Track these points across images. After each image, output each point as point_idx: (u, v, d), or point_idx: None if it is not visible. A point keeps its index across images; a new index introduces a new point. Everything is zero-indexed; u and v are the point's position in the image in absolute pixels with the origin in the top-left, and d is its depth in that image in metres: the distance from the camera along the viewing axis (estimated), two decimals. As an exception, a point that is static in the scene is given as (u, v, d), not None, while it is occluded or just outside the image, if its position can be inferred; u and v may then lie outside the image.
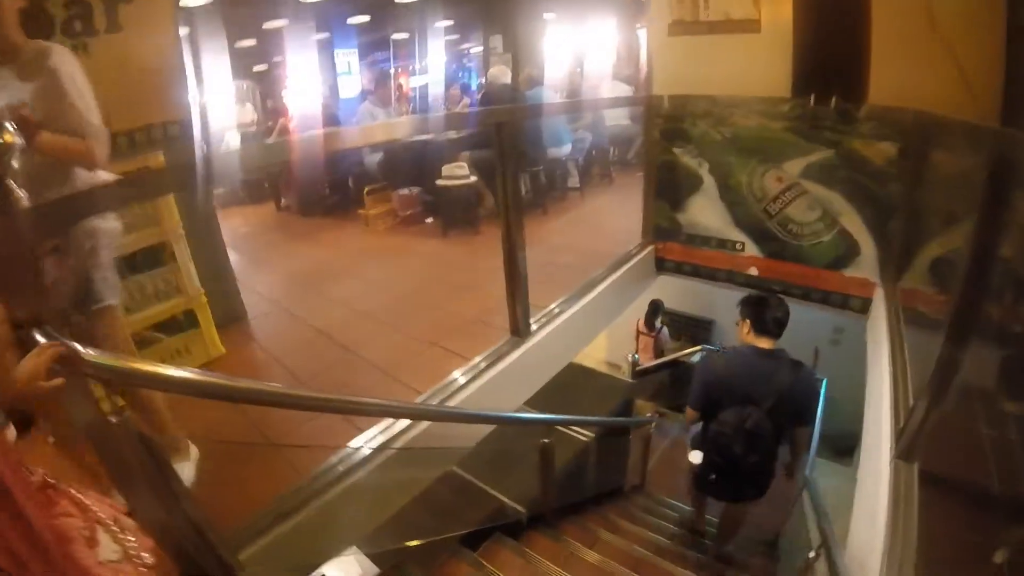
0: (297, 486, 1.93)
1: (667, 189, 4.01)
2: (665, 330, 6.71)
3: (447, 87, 6.90)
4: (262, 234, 5.50)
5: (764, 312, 2.73)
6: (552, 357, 3.20)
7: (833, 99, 3.27)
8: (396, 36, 7.30)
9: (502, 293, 2.85)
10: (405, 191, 5.17)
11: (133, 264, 2.78)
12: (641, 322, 6.69)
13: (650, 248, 4.13)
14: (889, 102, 3.13)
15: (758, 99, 3.52)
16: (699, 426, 2.93)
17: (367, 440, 2.18)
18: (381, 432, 2.21)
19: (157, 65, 2.78)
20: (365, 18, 6.81)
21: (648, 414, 6.03)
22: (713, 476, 2.84)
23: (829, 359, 6.06)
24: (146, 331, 2.82)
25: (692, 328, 7.15)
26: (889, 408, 2.20)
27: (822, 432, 4.38)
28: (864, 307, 3.53)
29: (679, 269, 4.15)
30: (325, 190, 5.82)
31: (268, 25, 6.50)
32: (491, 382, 2.74)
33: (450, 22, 6.63)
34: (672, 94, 3.82)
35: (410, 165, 5.18)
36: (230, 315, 3.42)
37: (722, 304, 6.05)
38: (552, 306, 3.21)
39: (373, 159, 5.51)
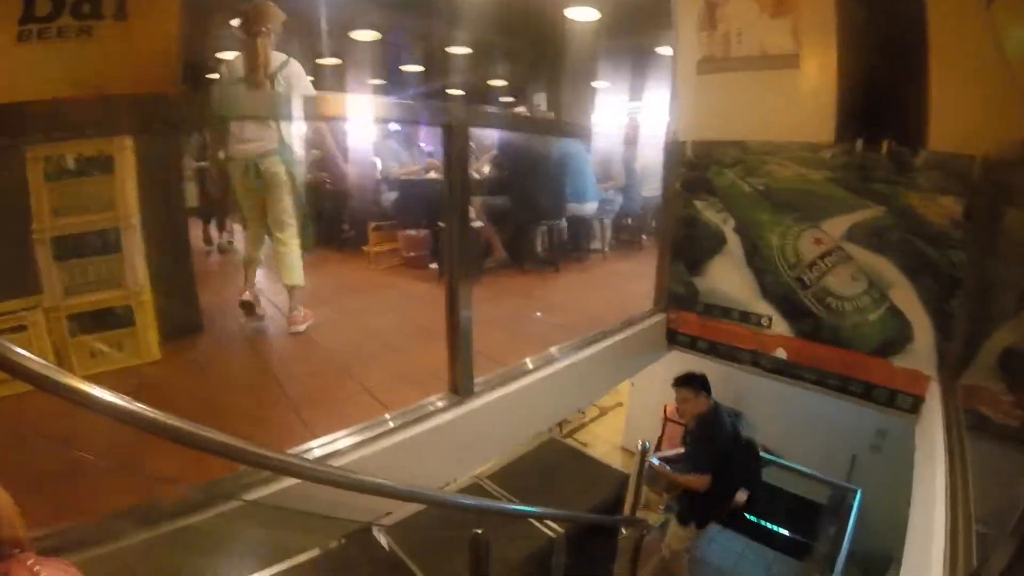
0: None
1: (685, 249, 3.34)
2: None
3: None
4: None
5: None
6: (507, 424, 2.49)
7: (885, 144, 2.57)
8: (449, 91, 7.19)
9: (479, 347, 2.29)
10: (412, 232, 4.70)
11: (80, 245, 2.53)
12: (671, 407, 5.82)
13: (661, 317, 3.41)
14: (954, 148, 2.47)
15: (796, 145, 2.87)
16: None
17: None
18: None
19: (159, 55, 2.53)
20: (419, 69, 6.74)
21: (660, 507, 5.08)
22: None
23: (868, 467, 5.01)
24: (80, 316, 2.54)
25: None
26: (943, 540, 1.48)
27: (851, 549, 3.50)
28: (915, 406, 2.68)
29: (693, 345, 3.39)
30: (344, 225, 5.45)
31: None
32: (412, 442, 2.07)
33: (503, 82, 6.40)
34: (697, 139, 3.20)
35: (423, 206, 4.74)
36: (184, 324, 3.02)
37: (749, 390, 5.14)
38: (515, 366, 2.53)
39: (389, 197, 5.14)
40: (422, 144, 5.76)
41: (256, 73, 2.78)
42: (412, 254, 4.69)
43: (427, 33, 5.66)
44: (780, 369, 3.09)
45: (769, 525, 5.14)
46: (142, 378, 2.55)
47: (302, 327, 3.03)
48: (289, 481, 1.63)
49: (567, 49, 4.96)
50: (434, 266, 4.61)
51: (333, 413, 2.20)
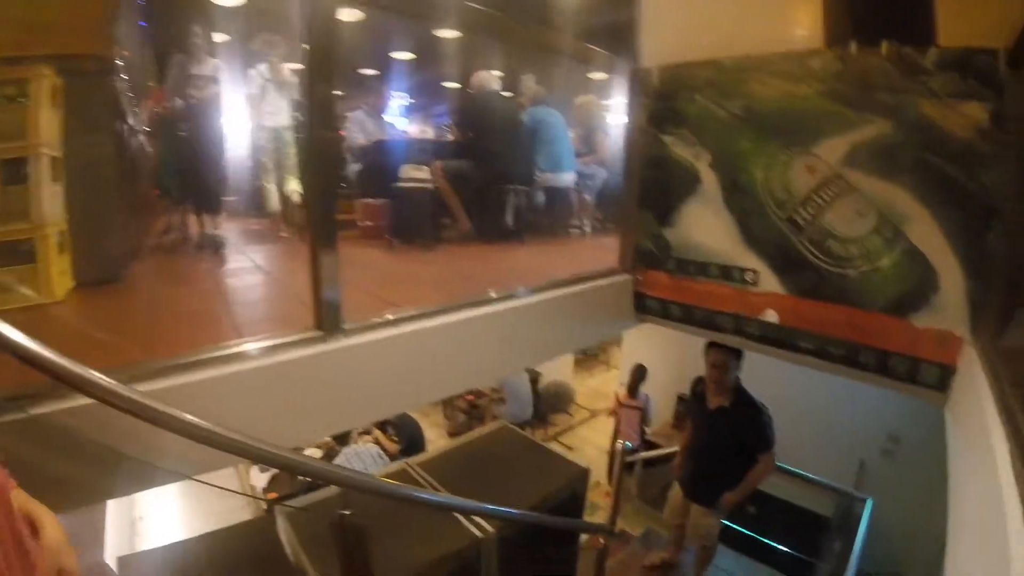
0: None
1: (653, 194, 2.72)
2: (652, 402, 5.26)
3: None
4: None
5: None
6: (393, 376, 1.87)
7: (885, 45, 1.97)
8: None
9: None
10: (370, 200, 4.14)
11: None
12: (622, 393, 5.19)
13: (626, 278, 2.77)
14: (971, 42, 1.86)
15: (778, 56, 2.27)
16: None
17: None
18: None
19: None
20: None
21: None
22: None
23: (878, 476, 4.25)
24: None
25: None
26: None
27: (859, 568, 2.86)
28: (943, 381, 2.01)
29: (665, 311, 2.75)
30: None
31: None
32: (253, 376, 1.52)
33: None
34: (663, 64, 2.61)
35: (385, 176, 4.19)
36: (101, 272, 2.49)
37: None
38: (410, 310, 1.93)
39: (354, 168, 4.60)
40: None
41: None
42: (370, 224, 4.13)
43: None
44: (771, 337, 2.43)
45: (765, 540, 4.38)
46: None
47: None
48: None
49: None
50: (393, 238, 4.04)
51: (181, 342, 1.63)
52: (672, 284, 2.68)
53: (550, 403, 6.95)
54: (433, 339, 1.92)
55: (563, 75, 4.73)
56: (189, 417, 1.12)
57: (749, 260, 2.44)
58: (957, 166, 1.92)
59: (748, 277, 2.44)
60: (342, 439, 4.97)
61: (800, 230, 2.28)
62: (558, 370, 7.30)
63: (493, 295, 2.15)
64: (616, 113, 3.66)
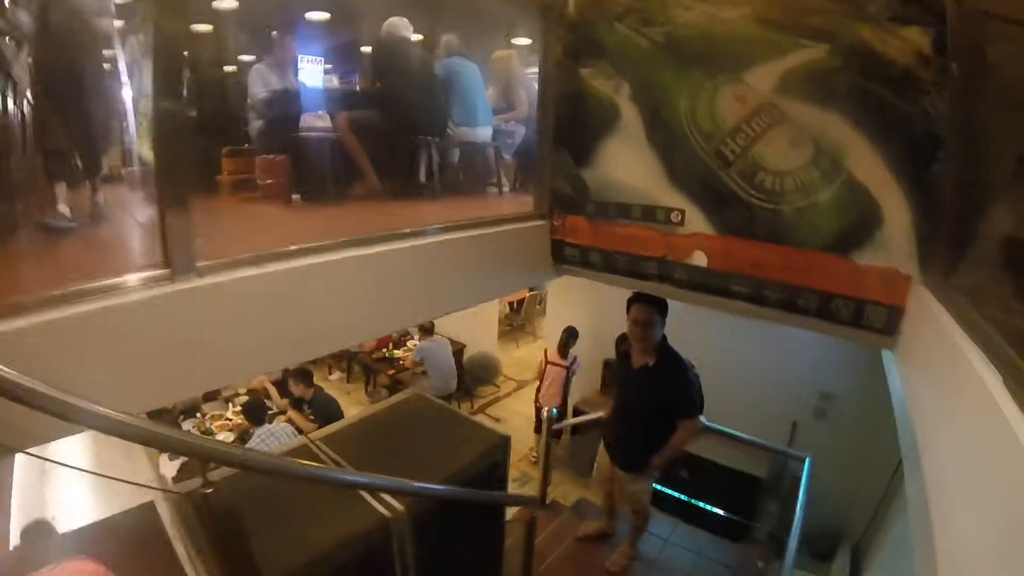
0: None
1: (570, 133, 2.44)
2: (580, 364, 5.14)
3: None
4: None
5: None
6: (272, 327, 1.52)
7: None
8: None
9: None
10: (269, 156, 3.69)
11: None
12: (551, 351, 5.04)
13: (542, 224, 2.50)
14: None
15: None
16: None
17: None
18: None
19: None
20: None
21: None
22: None
23: (810, 436, 4.24)
24: None
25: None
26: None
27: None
28: (890, 323, 1.83)
29: (585, 259, 2.49)
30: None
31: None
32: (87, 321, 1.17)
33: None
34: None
35: (286, 129, 3.75)
36: None
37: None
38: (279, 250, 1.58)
39: (256, 125, 4.12)
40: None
41: None
42: (270, 181, 3.68)
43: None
44: (700, 283, 2.21)
45: (699, 503, 4.29)
46: None
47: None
48: None
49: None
50: (297, 197, 3.61)
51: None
52: (592, 229, 2.42)
53: (475, 375, 6.73)
54: (315, 281, 1.59)
55: (481, 28, 4.40)
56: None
57: (674, 199, 2.20)
58: (897, 94, 1.74)
59: (673, 217, 2.21)
60: (258, 418, 4.54)
61: (728, 164, 2.05)
62: (483, 341, 7.07)
63: (386, 233, 1.83)
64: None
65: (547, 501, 3.63)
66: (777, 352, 4.34)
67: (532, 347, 8.33)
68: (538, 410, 5.23)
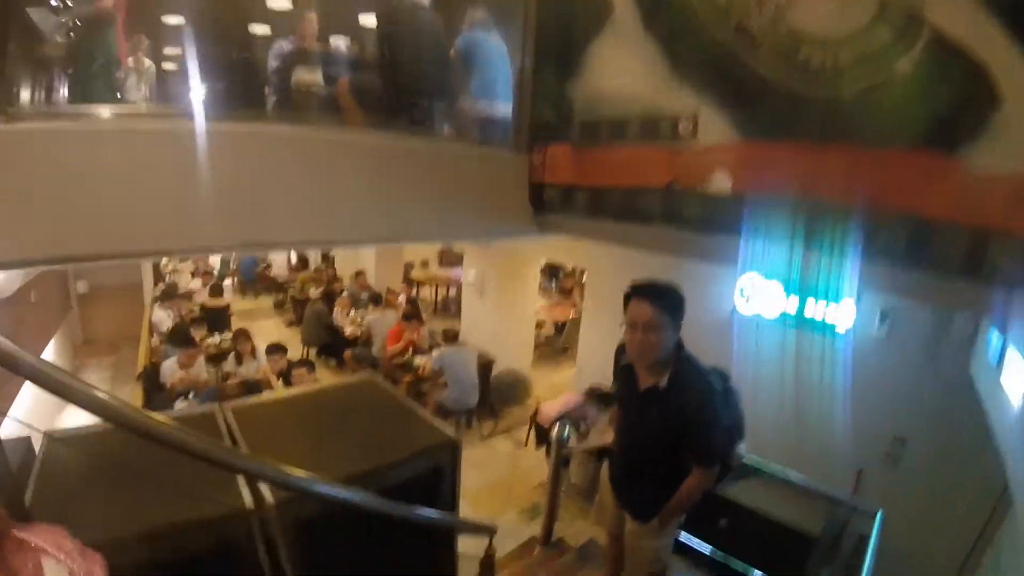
0: None
1: (553, 38, 1.88)
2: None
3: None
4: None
5: None
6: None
7: None
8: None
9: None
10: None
11: None
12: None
13: (519, 159, 1.91)
14: None
15: None
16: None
17: None
18: None
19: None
20: None
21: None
22: None
23: (879, 486, 3.20)
24: None
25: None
26: None
27: None
28: None
29: (569, 202, 1.86)
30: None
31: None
32: None
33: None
34: None
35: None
36: None
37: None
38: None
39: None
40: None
41: None
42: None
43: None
44: (722, 219, 1.53)
45: (737, 564, 3.37)
46: None
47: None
48: None
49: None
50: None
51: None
52: (578, 160, 1.81)
53: (502, 392, 6.03)
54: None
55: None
56: None
57: (682, 102, 1.58)
58: None
59: (681, 128, 1.58)
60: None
61: (755, 44, 1.44)
62: (515, 359, 6.43)
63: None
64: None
65: (551, 538, 2.92)
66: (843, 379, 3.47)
67: (571, 373, 7.60)
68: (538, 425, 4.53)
